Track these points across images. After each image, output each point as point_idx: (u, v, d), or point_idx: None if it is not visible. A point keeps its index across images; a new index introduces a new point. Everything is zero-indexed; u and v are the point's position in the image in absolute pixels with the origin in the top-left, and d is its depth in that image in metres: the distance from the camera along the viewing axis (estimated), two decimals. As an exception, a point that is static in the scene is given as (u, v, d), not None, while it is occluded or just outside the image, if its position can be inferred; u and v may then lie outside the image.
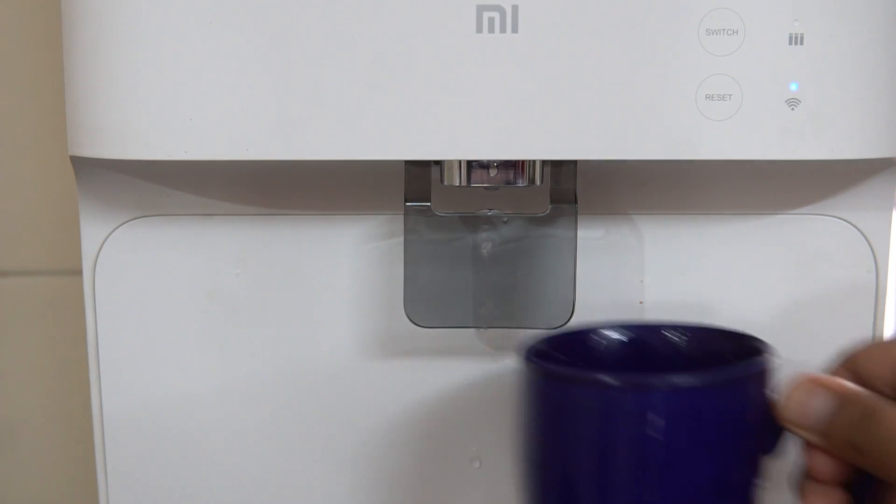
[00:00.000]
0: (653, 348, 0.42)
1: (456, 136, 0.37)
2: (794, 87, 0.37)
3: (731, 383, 0.35)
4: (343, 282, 0.44)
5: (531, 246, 0.43)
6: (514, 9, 0.36)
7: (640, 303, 0.45)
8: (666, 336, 0.41)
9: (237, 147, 0.37)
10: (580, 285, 0.42)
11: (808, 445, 0.35)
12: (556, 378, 0.36)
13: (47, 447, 0.59)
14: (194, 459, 0.46)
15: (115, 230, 0.43)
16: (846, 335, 0.39)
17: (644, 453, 0.34)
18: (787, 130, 0.37)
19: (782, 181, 0.43)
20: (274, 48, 0.36)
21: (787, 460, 0.36)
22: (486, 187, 0.40)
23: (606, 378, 0.34)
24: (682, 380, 0.34)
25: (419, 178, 0.42)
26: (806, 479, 0.36)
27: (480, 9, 0.36)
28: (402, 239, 0.42)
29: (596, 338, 0.41)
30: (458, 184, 0.40)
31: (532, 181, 0.40)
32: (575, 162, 0.41)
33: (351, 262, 0.44)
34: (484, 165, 0.39)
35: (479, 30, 0.36)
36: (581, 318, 0.42)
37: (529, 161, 0.40)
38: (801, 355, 0.37)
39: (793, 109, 0.37)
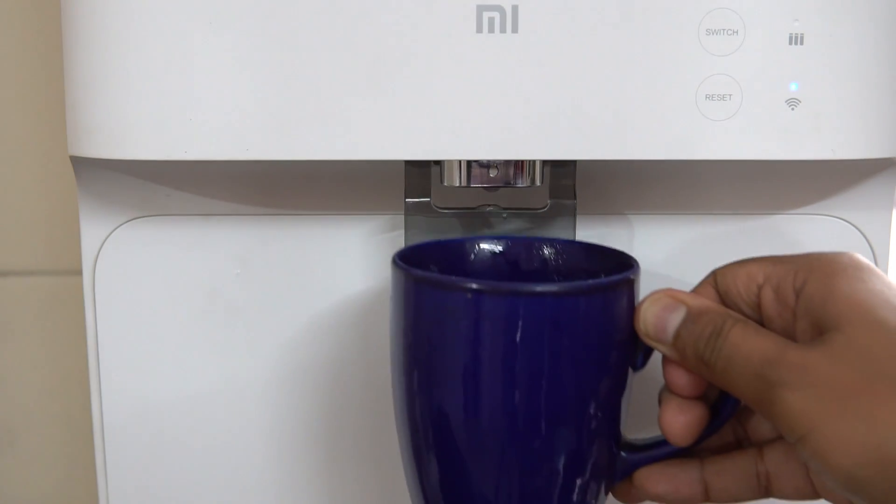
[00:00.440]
0: (525, 261, 0.42)
1: (456, 136, 0.37)
2: (794, 87, 0.37)
3: (590, 292, 0.35)
4: (343, 282, 0.44)
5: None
6: (514, 9, 0.36)
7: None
8: (539, 250, 0.42)
9: (237, 147, 0.37)
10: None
11: (666, 359, 0.36)
12: (420, 282, 0.36)
13: (47, 447, 0.59)
14: (194, 459, 0.46)
15: (115, 230, 0.43)
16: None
17: (506, 360, 0.35)
18: (787, 130, 0.37)
19: (782, 181, 0.43)
20: (274, 48, 0.36)
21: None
22: (485, 187, 0.40)
23: (467, 283, 0.35)
24: (542, 287, 0.35)
25: (419, 178, 0.42)
26: (666, 392, 0.37)
27: (480, 9, 0.36)
28: (402, 232, 0.43)
29: (468, 247, 0.42)
30: (458, 184, 0.40)
31: (532, 181, 0.40)
32: (574, 161, 0.41)
33: (351, 262, 0.44)
34: (484, 165, 0.39)
35: (479, 30, 0.36)
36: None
37: (529, 161, 0.40)
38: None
39: (793, 109, 0.37)
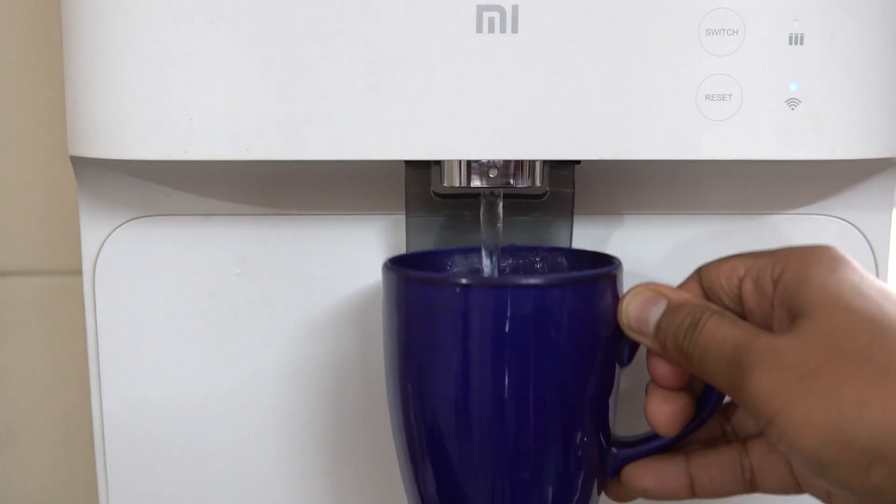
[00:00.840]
0: (511, 269, 0.43)
1: (456, 136, 0.37)
2: (794, 87, 0.37)
3: (574, 284, 0.36)
4: (343, 282, 0.44)
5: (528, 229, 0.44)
6: (514, 9, 0.36)
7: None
8: (524, 258, 0.43)
9: (238, 147, 0.37)
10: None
11: (650, 351, 0.37)
12: (410, 281, 0.37)
13: (47, 447, 0.59)
14: (194, 459, 0.46)
15: (115, 230, 0.43)
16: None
17: (495, 352, 0.35)
18: (787, 130, 0.37)
19: (782, 181, 0.43)
20: (274, 48, 0.36)
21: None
22: (485, 188, 0.40)
23: (456, 278, 0.36)
24: (527, 280, 0.36)
25: (419, 178, 0.42)
26: (651, 384, 0.38)
27: (480, 9, 0.36)
28: (402, 216, 0.43)
29: (456, 257, 0.43)
30: (458, 184, 0.40)
31: (532, 181, 0.40)
32: (574, 162, 0.41)
33: (351, 262, 0.44)
34: (484, 165, 0.39)
35: (479, 30, 0.36)
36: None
37: (529, 161, 0.40)
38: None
39: (793, 109, 0.37)
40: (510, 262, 0.43)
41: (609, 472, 0.39)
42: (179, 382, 0.45)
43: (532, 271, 0.43)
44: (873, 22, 0.37)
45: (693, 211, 0.44)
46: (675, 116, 0.37)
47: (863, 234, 0.44)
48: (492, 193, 0.41)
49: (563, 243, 0.43)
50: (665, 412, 0.37)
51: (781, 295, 0.33)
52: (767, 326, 0.34)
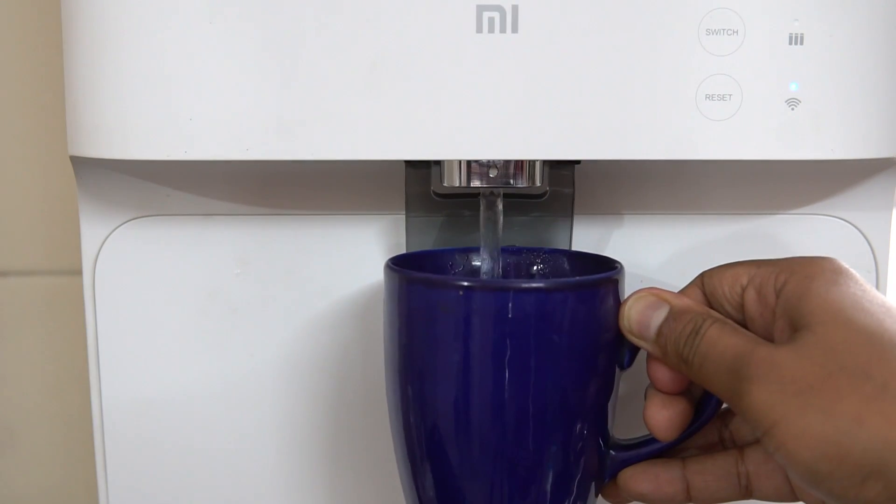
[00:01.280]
0: (513, 270, 0.43)
1: (456, 136, 0.37)
2: (794, 87, 0.37)
3: (576, 288, 0.36)
4: (343, 282, 0.44)
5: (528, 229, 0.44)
6: (514, 9, 0.36)
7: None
8: (525, 259, 0.43)
9: (237, 147, 0.37)
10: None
11: (650, 356, 0.37)
12: (412, 282, 0.37)
13: (47, 447, 0.59)
14: (194, 459, 0.46)
15: (115, 230, 0.43)
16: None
17: (496, 355, 0.35)
18: (787, 130, 0.37)
19: (782, 181, 0.43)
20: (274, 48, 0.36)
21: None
22: (485, 188, 0.40)
23: (458, 280, 0.37)
24: (530, 283, 0.36)
25: (419, 178, 0.42)
26: (650, 389, 0.38)
27: (480, 9, 0.36)
28: (402, 216, 0.43)
29: (458, 257, 0.43)
30: (457, 184, 0.40)
31: (532, 181, 0.40)
32: (575, 162, 0.41)
33: (351, 262, 0.44)
34: (484, 165, 0.39)
35: (479, 30, 0.36)
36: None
37: (529, 161, 0.40)
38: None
39: (793, 109, 0.37)
40: (511, 262, 0.43)
41: (607, 474, 0.39)
42: (179, 382, 0.45)
43: (533, 273, 0.43)
44: (873, 22, 0.37)
45: (693, 211, 0.44)
46: (675, 116, 0.37)
47: (863, 234, 0.44)
48: (492, 193, 0.41)
49: (562, 243, 0.43)
50: (663, 416, 0.37)
51: (784, 305, 0.33)
52: (768, 335, 0.34)
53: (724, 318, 0.35)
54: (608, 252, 0.44)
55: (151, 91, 0.36)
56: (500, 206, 0.41)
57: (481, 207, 0.41)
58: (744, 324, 0.35)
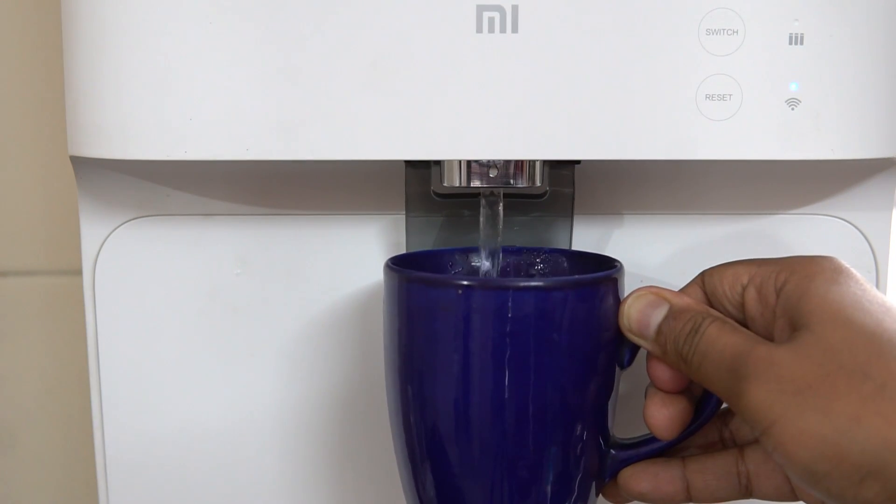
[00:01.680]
0: (513, 270, 0.43)
1: (456, 136, 0.37)
2: (794, 87, 0.37)
3: (575, 287, 0.36)
4: (343, 282, 0.44)
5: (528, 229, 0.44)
6: (514, 9, 0.36)
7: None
8: (525, 259, 0.43)
9: (237, 147, 0.37)
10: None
11: (650, 355, 0.37)
12: (412, 281, 0.37)
13: (47, 447, 0.59)
14: (194, 459, 0.46)
15: (115, 230, 0.43)
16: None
17: (496, 354, 0.36)
18: (787, 130, 0.37)
19: (782, 181, 0.43)
20: (274, 48, 0.36)
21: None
22: (485, 187, 0.40)
23: (457, 279, 0.37)
24: (529, 282, 0.36)
25: (419, 178, 0.42)
26: (650, 387, 0.38)
27: (480, 9, 0.36)
28: (402, 216, 0.43)
29: (458, 257, 0.43)
30: (457, 184, 0.40)
31: (532, 181, 0.40)
32: (575, 162, 0.41)
33: (351, 262, 0.44)
34: (484, 165, 0.39)
35: (479, 30, 0.36)
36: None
37: (529, 161, 0.40)
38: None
39: (793, 109, 0.37)
40: (511, 262, 0.43)
41: (607, 473, 0.39)
42: (179, 382, 0.45)
43: (533, 273, 0.43)
44: (873, 22, 0.37)
45: (693, 211, 0.44)
46: (675, 116, 0.37)
47: (863, 234, 0.44)
48: (492, 193, 0.41)
49: (563, 243, 0.43)
50: (664, 415, 0.37)
51: (783, 305, 0.33)
52: (769, 335, 0.34)
53: (723, 316, 0.35)
54: (608, 252, 0.44)
55: (151, 91, 0.36)
56: (501, 206, 0.41)
57: (481, 207, 0.41)
58: (744, 323, 0.35)
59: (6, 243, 0.56)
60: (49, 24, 0.53)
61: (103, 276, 0.44)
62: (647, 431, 0.38)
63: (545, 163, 0.40)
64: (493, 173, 0.39)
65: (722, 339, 0.33)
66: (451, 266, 0.43)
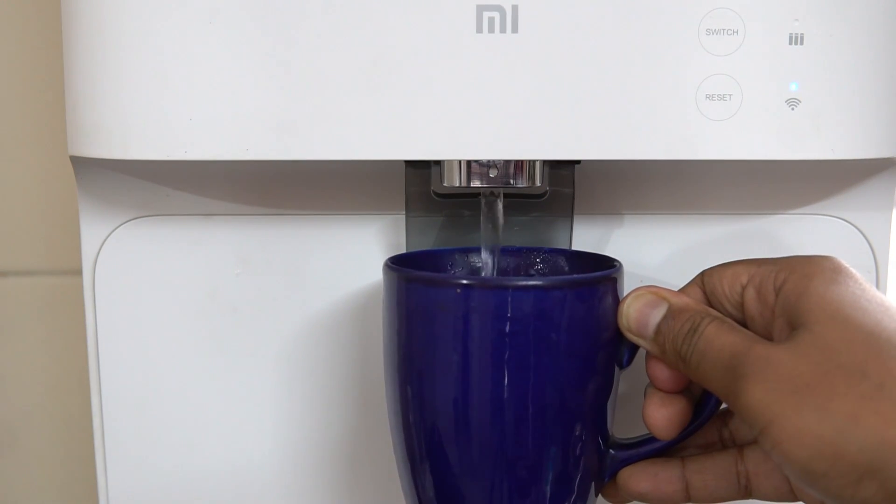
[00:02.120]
0: (512, 270, 0.43)
1: (456, 136, 0.37)
2: (794, 87, 0.37)
3: (575, 286, 0.36)
4: (343, 282, 0.44)
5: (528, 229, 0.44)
6: (514, 9, 0.36)
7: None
8: (525, 259, 0.43)
9: (237, 147, 0.37)
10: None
11: (649, 354, 0.37)
12: (411, 280, 0.37)
13: (47, 447, 0.59)
14: (194, 459, 0.46)
15: (115, 230, 0.43)
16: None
17: (495, 353, 0.36)
18: (787, 130, 0.37)
19: (782, 181, 0.43)
20: (274, 48, 0.36)
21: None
22: (485, 187, 0.40)
23: (456, 279, 0.37)
24: (528, 282, 0.36)
25: (419, 178, 0.42)
26: (650, 387, 0.38)
27: (480, 9, 0.36)
28: (402, 216, 0.43)
29: (457, 256, 0.43)
30: (457, 184, 0.40)
31: (532, 181, 0.40)
32: (575, 162, 0.41)
33: (351, 262, 0.44)
34: (484, 165, 0.39)
35: (479, 30, 0.36)
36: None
37: (529, 161, 0.40)
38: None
39: (793, 109, 0.37)
40: (510, 262, 0.43)
41: (606, 473, 0.39)
42: (179, 382, 0.45)
43: (532, 273, 0.43)
44: (873, 22, 0.37)
45: (693, 211, 0.44)
46: (675, 116, 0.37)
47: (863, 234, 0.44)
48: (492, 193, 0.41)
49: (563, 243, 0.43)
50: (663, 415, 0.37)
51: (782, 304, 0.33)
52: (768, 335, 0.34)
53: (722, 316, 0.35)
54: (608, 252, 0.44)
55: (151, 91, 0.36)
56: (501, 206, 0.41)
57: (481, 207, 0.41)
58: (744, 323, 0.35)
59: (6, 243, 0.56)
60: (49, 24, 0.53)
61: (103, 276, 0.44)
62: (647, 431, 0.38)
63: (545, 163, 0.40)
64: (493, 173, 0.39)
65: (720, 339, 0.33)
66: (450, 266, 0.43)
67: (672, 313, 0.35)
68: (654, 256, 0.44)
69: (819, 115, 0.37)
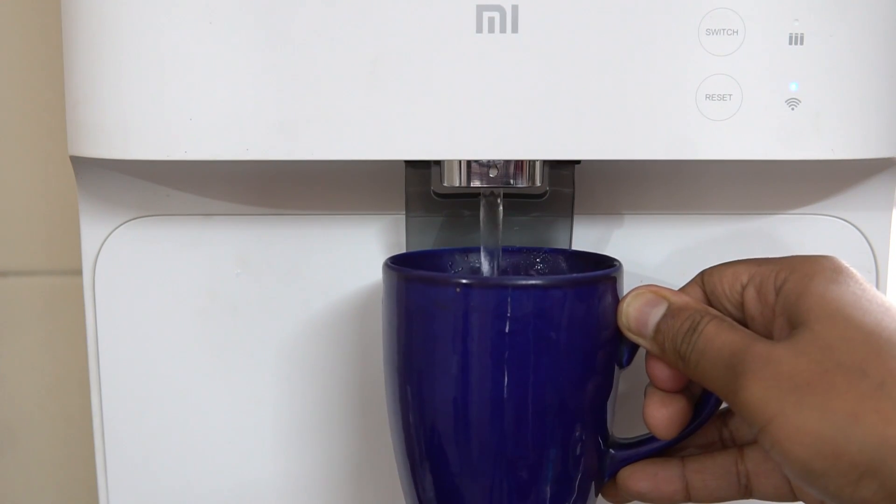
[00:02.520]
0: (512, 270, 0.43)
1: (456, 136, 0.37)
2: (794, 87, 0.37)
3: (574, 285, 0.36)
4: (343, 282, 0.44)
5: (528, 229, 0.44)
6: (514, 9, 0.36)
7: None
8: (525, 259, 0.43)
9: (237, 147, 0.37)
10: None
11: (649, 354, 0.37)
12: (410, 280, 0.37)
13: (47, 447, 0.59)
14: (194, 459, 0.46)
15: (115, 230, 0.43)
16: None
17: (494, 353, 0.36)
18: (787, 130, 0.37)
19: (782, 181, 0.43)
20: (274, 48, 0.36)
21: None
22: (485, 187, 0.40)
23: (456, 278, 0.37)
24: (528, 281, 0.36)
25: (419, 178, 0.42)
26: (650, 387, 0.38)
27: (480, 9, 0.36)
28: (402, 216, 0.43)
29: (457, 257, 0.43)
30: (457, 184, 0.40)
31: (532, 181, 0.40)
32: (575, 162, 0.41)
33: (351, 262, 0.44)
34: (484, 165, 0.39)
35: (479, 30, 0.36)
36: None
37: (529, 161, 0.40)
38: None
39: (793, 109, 0.37)
40: (510, 262, 0.43)
41: (607, 473, 0.39)
42: (179, 382, 0.45)
43: (532, 272, 0.43)
44: (873, 22, 0.37)
45: (693, 211, 0.44)
46: (675, 116, 0.37)
47: (863, 234, 0.44)
48: (492, 193, 0.41)
49: (563, 243, 0.43)
50: (663, 415, 0.37)
51: (783, 303, 0.33)
52: (768, 334, 0.34)
53: (721, 315, 0.35)
54: (608, 252, 0.44)
55: (152, 91, 0.36)
56: (500, 206, 0.41)
57: (481, 207, 0.41)
58: (744, 322, 0.35)
59: (6, 243, 0.56)
60: (49, 24, 0.53)
61: (103, 276, 0.44)
62: (647, 431, 0.38)
63: (545, 163, 0.40)
64: (493, 173, 0.39)
65: (720, 337, 0.33)
66: (450, 266, 0.43)
67: (672, 312, 0.35)
68: (654, 256, 0.45)
69: (819, 115, 0.37)
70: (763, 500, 0.38)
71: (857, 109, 0.37)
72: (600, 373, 0.37)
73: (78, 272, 0.44)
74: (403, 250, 0.44)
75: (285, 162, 0.37)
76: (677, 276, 0.43)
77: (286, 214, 0.44)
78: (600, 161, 0.37)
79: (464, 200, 0.43)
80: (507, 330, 0.35)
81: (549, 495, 0.37)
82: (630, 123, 0.37)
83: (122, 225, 0.43)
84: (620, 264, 0.39)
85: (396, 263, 0.39)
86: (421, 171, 0.42)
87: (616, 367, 0.38)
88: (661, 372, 0.37)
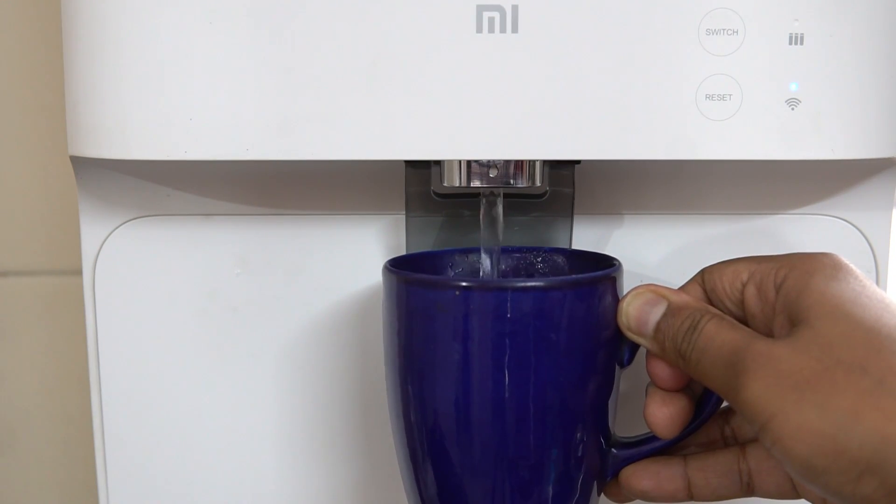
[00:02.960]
0: (512, 270, 0.43)
1: (456, 136, 0.37)
2: (794, 87, 0.37)
3: (574, 286, 0.36)
4: (343, 282, 0.44)
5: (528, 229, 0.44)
6: (514, 9, 0.36)
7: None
8: (524, 259, 0.43)
9: (237, 147, 0.37)
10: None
11: (649, 353, 0.37)
12: (410, 283, 0.37)
13: (47, 447, 0.59)
14: (194, 460, 0.46)
15: (115, 230, 0.43)
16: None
17: (495, 354, 0.36)
18: (787, 130, 0.37)
19: (782, 181, 0.43)
20: (274, 48, 0.36)
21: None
22: (485, 187, 0.40)
23: (456, 280, 0.37)
24: (528, 282, 0.36)
25: (419, 178, 0.42)
26: (651, 386, 0.38)
27: (480, 9, 0.36)
28: (402, 216, 0.43)
29: (457, 257, 0.43)
30: (457, 184, 0.40)
31: (532, 181, 0.40)
32: (575, 162, 0.41)
33: (351, 262, 0.44)
34: (484, 165, 0.39)
35: (479, 30, 0.36)
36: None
37: (529, 161, 0.40)
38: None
39: (793, 109, 0.37)
40: (510, 262, 0.43)
41: (608, 472, 0.39)
42: (179, 382, 0.45)
43: (532, 272, 0.43)
44: (873, 22, 0.37)
45: (693, 211, 0.44)
46: (675, 116, 0.37)
47: (863, 234, 0.44)
48: (492, 193, 0.41)
49: (562, 243, 0.43)
50: (664, 414, 0.37)
51: (783, 301, 0.33)
52: (769, 332, 0.34)
53: (721, 313, 0.35)
54: (608, 252, 0.44)
55: (151, 91, 0.36)
56: (501, 206, 0.41)
57: (481, 207, 0.41)
58: (744, 320, 0.35)
59: (6, 243, 0.56)
60: (49, 24, 0.53)
61: (103, 276, 0.44)
62: (648, 430, 0.38)
63: (545, 163, 0.40)
64: (493, 173, 0.39)
65: (720, 336, 0.33)
66: (451, 267, 0.43)
67: (672, 311, 0.35)
68: (654, 256, 0.45)
69: (819, 115, 0.37)
70: (765, 497, 0.38)
71: (857, 109, 0.37)
72: (601, 373, 0.37)
73: (78, 272, 0.44)
74: (403, 250, 0.44)
75: (285, 162, 0.37)
76: (677, 275, 0.43)
77: (286, 214, 0.44)
78: (600, 161, 0.37)
79: (464, 200, 0.43)
80: (507, 331, 0.35)
81: (551, 495, 0.37)
82: (630, 123, 0.37)
83: (122, 225, 0.43)
84: (620, 264, 0.39)
85: (396, 266, 0.39)
86: (421, 171, 0.42)
87: (617, 367, 0.38)
88: (662, 371, 0.37)
